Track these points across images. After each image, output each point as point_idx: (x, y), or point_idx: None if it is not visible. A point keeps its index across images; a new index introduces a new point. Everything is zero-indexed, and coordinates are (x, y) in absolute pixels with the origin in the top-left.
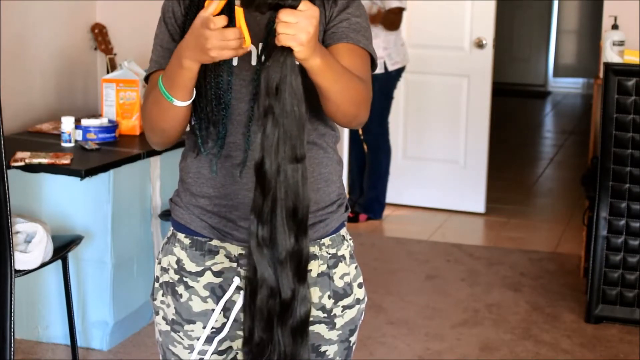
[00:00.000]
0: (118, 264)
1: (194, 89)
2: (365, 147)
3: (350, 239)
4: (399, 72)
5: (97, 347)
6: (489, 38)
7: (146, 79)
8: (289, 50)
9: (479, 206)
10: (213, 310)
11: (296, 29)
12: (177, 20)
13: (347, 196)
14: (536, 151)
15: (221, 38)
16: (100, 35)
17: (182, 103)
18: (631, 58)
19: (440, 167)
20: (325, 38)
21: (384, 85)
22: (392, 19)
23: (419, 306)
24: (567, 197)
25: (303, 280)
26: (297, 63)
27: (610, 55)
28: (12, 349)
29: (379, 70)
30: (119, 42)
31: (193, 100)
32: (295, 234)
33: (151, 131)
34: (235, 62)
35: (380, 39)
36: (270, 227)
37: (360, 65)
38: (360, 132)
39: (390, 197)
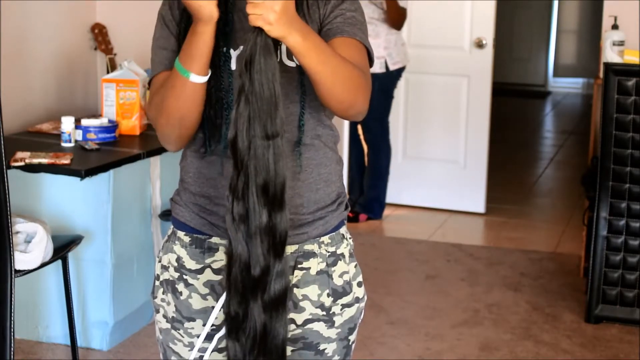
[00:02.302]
0: (118, 264)
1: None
2: (365, 146)
3: (350, 238)
4: (399, 71)
5: (97, 347)
6: (489, 38)
7: (149, 83)
8: (260, 30)
9: (479, 206)
10: (213, 307)
11: (263, 8)
12: (176, 20)
13: (347, 195)
14: (536, 151)
15: None
16: (100, 35)
17: (198, 78)
18: (631, 58)
19: (440, 167)
20: (321, 35)
21: (384, 85)
22: (397, 17)
23: (419, 306)
24: (567, 197)
25: (279, 255)
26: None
27: (610, 55)
28: (12, 349)
29: (380, 69)
30: (119, 42)
31: None
32: (269, 209)
33: (167, 125)
34: (233, 66)
35: (381, 38)
36: (244, 203)
37: (357, 56)
38: (361, 131)
39: (390, 197)
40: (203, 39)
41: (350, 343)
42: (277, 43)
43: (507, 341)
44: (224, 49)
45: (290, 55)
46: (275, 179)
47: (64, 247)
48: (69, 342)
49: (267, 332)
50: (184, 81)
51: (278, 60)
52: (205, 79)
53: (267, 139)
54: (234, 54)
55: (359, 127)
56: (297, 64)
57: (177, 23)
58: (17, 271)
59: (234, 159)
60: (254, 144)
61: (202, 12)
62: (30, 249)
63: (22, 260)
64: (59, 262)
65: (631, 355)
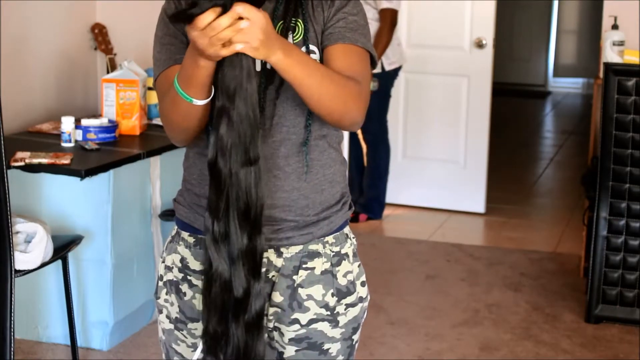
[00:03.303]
0: (118, 264)
1: (212, 87)
2: (364, 146)
3: (353, 237)
4: (396, 71)
5: (97, 347)
6: (489, 38)
7: (155, 79)
8: (242, 56)
9: (479, 206)
10: None
11: (246, 35)
12: None
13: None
14: (536, 151)
15: (209, 34)
16: (100, 35)
17: (201, 102)
18: (631, 58)
19: (440, 167)
20: (323, 39)
21: (381, 85)
22: (385, 24)
23: (419, 306)
24: (567, 197)
25: (258, 276)
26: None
27: (610, 55)
28: (12, 349)
29: (377, 70)
30: (119, 42)
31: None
32: (249, 233)
33: (172, 131)
34: None
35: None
36: (225, 224)
37: (357, 64)
38: (359, 131)
39: (390, 197)
40: (205, 71)
41: (354, 343)
42: None
43: (507, 341)
44: None
45: None
46: (256, 202)
47: (64, 247)
48: (69, 342)
49: (249, 350)
50: (186, 103)
51: None
52: (209, 99)
53: (249, 165)
54: None
55: None
56: None
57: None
58: (17, 271)
59: (214, 183)
60: (236, 170)
61: (209, 58)
62: (30, 249)
63: (22, 260)
64: (59, 262)
65: (631, 355)
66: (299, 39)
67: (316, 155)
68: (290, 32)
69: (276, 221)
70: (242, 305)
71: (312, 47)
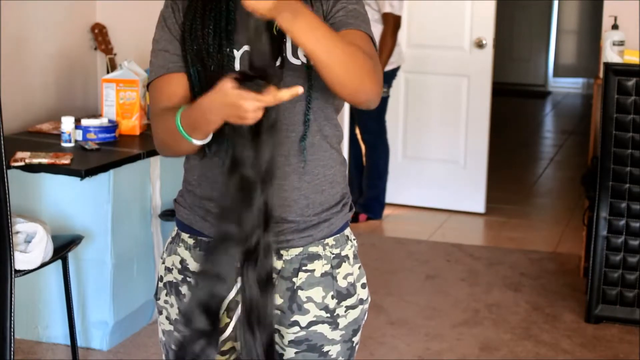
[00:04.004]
0: (118, 264)
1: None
2: (362, 146)
3: (354, 239)
4: (394, 71)
5: (97, 347)
6: (489, 38)
7: (149, 84)
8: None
9: (479, 206)
10: None
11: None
12: (178, 22)
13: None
14: (536, 151)
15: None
16: (100, 35)
17: (202, 142)
18: (631, 58)
19: (440, 167)
20: None
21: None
22: (388, 29)
23: (419, 306)
24: (567, 197)
25: (268, 229)
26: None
27: (610, 55)
28: (12, 349)
29: None
30: (119, 42)
31: None
32: (262, 187)
33: (163, 151)
34: (237, 67)
35: (375, 39)
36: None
37: (364, 45)
38: (358, 131)
39: (390, 196)
40: (215, 126)
41: (354, 345)
42: (281, 39)
43: (507, 341)
44: (228, 49)
45: (295, 52)
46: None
47: (64, 247)
48: (69, 342)
49: (262, 309)
50: (185, 140)
51: (283, 56)
52: (207, 139)
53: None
54: (237, 54)
55: (357, 127)
56: (302, 62)
57: (180, 25)
58: (17, 271)
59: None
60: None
61: (236, 121)
62: (30, 249)
63: (22, 260)
64: (59, 262)
65: (631, 355)
66: None
67: (318, 155)
68: None
69: (276, 221)
70: (252, 258)
71: None
